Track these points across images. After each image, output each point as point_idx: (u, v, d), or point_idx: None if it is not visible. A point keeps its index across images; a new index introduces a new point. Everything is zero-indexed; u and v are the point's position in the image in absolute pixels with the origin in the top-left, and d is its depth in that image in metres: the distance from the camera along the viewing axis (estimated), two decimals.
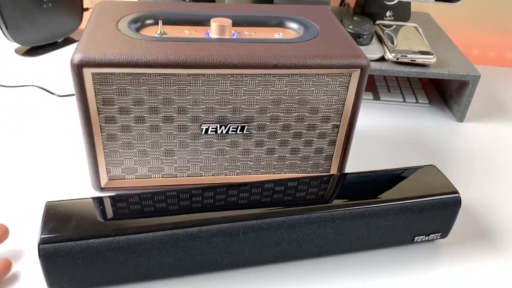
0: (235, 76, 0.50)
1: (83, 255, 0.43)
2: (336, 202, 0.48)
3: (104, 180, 0.55)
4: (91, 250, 0.43)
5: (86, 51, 0.47)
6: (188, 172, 0.56)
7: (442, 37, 0.90)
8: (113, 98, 0.50)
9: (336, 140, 0.57)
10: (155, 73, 0.48)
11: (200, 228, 0.45)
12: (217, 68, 0.48)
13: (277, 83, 0.51)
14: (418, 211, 0.49)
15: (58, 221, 0.44)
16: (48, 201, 0.46)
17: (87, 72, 0.47)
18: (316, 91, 0.52)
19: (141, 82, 0.49)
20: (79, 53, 0.47)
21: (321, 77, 0.51)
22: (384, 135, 0.76)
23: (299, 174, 0.59)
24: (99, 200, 0.47)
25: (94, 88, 0.48)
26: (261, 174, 0.58)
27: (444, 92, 0.87)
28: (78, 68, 0.47)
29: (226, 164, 0.57)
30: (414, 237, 0.52)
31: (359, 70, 0.51)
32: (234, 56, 0.48)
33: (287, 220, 0.46)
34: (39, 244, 0.42)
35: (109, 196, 0.48)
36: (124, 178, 0.56)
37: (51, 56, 0.91)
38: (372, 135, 0.76)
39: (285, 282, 0.49)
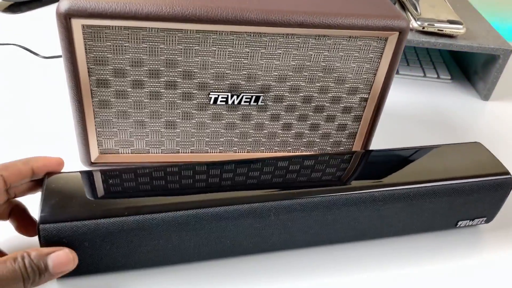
0: (252, 35, 0.42)
1: (90, 237, 0.36)
2: (377, 182, 0.42)
3: (94, 154, 0.48)
4: (100, 232, 0.36)
5: None
6: (192, 148, 0.49)
7: (467, 7, 0.83)
8: (107, 57, 0.42)
9: (362, 115, 0.50)
10: (158, 28, 0.40)
11: (227, 208, 0.38)
12: (232, 24, 0.41)
13: (301, 45, 0.43)
14: (467, 193, 0.43)
15: (61, 196, 0.37)
16: (48, 172, 0.39)
17: (77, 24, 0.39)
18: (345, 57, 0.45)
19: (141, 38, 0.41)
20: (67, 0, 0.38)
21: (352, 40, 0.44)
22: (403, 112, 0.69)
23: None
24: (109, 173, 0.40)
25: (85, 44, 0.41)
26: (274, 152, 0.51)
27: (467, 68, 0.80)
28: (65, 19, 0.39)
29: (235, 139, 0.49)
30: (458, 221, 0.46)
31: (397, 33, 0.43)
32: (253, 10, 0.40)
33: (324, 201, 0.40)
34: (39, 223, 0.35)
35: (121, 169, 0.41)
36: (118, 153, 0.48)
37: (36, 13, 0.82)
38: (390, 111, 0.68)
39: (318, 268, 0.43)
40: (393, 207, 0.42)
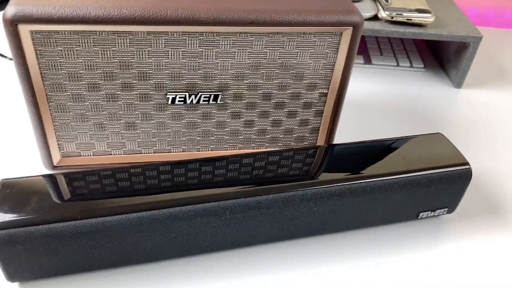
0: (205, 34, 0.42)
1: (45, 242, 0.36)
2: (334, 176, 0.42)
3: (56, 158, 0.48)
4: (54, 236, 0.36)
5: (22, 2, 0.38)
6: (155, 148, 0.49)
7: None
8: (60, 62, 0.41)
9: (323, 110, 0.50)
10: (108, 31, 0.40)
11: (181, 208, 0.38)
12: (183, 25, 0.40)
13: (256, 43, 0.43)
14: (426, 185, 0.44)
15: (15, 202, 0.37)
16: (4, 179, 0.39)
17: (24, 30, 0.39)
18: (301, 54, 0.45)
19: (92, 42, 0.41)
20: (13, 5, 0.38)
21: (307, 36, 0.44)
22: (375, 102, 0.69)
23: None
24: (63, 177, 0.40)
25: (35, 50, 0.40)
26: (239, 149, 0.51)
27: (441, 56, 0.80)
28: (12, 25, 0.38)
29: (198, 138, 0.49)
30: (419, 213, 0.46)
31: (351, 28, 0.43)
32: (204, 10, 0.40)
33: (280, 198, 0.40)
34: None
35: (75, 172, 0.41)
36: (80, 155, 0.48)
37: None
38: (362, 103, 0.69)
39: (278, 263, 0.43)
40: (352, 201, 0.42)
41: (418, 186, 0.44)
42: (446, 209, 0.48)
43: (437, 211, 0.48)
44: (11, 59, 0.68)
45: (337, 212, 0.43)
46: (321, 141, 0.52)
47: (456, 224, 0.49)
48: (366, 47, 0.81)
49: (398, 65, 0.77)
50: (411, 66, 0.77)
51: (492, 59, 0.84)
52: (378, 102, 0.69)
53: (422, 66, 0.78)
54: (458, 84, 0.74)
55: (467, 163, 0.45)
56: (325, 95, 0.48)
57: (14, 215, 0.36)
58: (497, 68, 0.81)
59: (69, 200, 0.39)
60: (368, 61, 0.77)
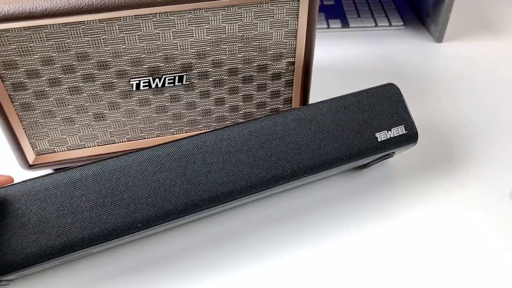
0: (158, 15, 0.41)
1: None
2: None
3: (31, 157, 0.48)
4: None
5: None
6: (128, 136, 0.49)
7: None
8: (16, 60, 0.41)
9: (293, 79, 0.49)
10: (59, 24, 0.39)
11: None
12: (134, 8, 0.39)
13: (212, 19, 0.42)
14: (358, 105, 0.44)
15: None
16: None
17: None
18: (261, 24, 0.44)
19: (44, 36, 0.40)
20: None
21: (263, 6, 0.42)
22: (356, 66, 0.68)
23: None
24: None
25: None
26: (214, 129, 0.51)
27: (420, 11, 0.78)
28: None
29: (170, 122, 0.49)
30: (375, 134, 0.44)
31: None
32: None
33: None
34: None
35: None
36: (54, 151, 0.48)
37: None
38: (342, 68, 0.67)
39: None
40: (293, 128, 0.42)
41: (352, 108, 0.44)
42: (403, 126, 0.45)
43: (394, 130, 0.45)
44: None
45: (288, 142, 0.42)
46: None
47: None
48: (343, 10, 0.79)
49: (376, 25, 0.76)
50: (390, 25, 0.76)
51: (472, 8, 0.81)
52: (358, 66, 0.68)
53: (401, 24, 0.76)
54: (439, 39, 0.72)
55: (391, 83, 0.46)
56: (292, 63, 0.47)
57: None
58: (478, 18, 0.79)
59: None
60: (345, 24, 0.76)
